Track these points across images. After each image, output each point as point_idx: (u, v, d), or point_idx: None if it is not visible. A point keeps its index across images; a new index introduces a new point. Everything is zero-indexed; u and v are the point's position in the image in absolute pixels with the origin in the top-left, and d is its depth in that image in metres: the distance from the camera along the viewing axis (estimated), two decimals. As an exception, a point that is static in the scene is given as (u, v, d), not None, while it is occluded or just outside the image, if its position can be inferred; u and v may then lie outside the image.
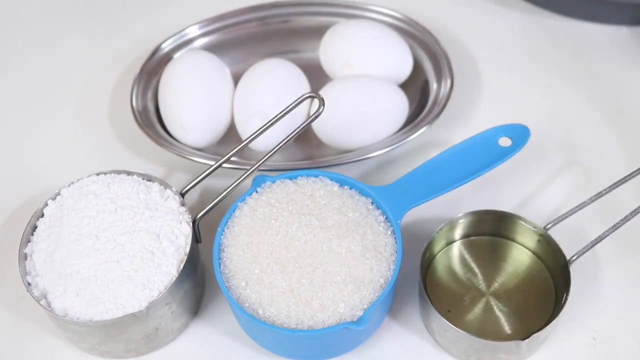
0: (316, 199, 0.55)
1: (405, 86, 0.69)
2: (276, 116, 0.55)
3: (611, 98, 0.72)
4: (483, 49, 0.77)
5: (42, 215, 0.55)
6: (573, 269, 0.53)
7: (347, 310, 0.49)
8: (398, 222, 0.54)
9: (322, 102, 0.55)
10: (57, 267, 0.51)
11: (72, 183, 0.57)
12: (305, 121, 0.56)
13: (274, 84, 0.65)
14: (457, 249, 0.58)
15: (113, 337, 0.51)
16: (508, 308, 0.54)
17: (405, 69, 0.70)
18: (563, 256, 0.54)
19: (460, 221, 0.57)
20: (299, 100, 0.56)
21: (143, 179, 0.57)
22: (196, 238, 0.55)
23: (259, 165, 0.56)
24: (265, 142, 0.62)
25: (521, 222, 0.56)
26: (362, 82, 0.66)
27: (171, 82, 0.66)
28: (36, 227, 0.55)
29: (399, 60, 0.69)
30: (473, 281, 0.56)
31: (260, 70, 0.67)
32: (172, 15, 0.82)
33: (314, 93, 0.56)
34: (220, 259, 0.52)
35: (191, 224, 0.54)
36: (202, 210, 0.55)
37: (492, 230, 0.58)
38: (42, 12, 0.85)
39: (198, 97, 0.65)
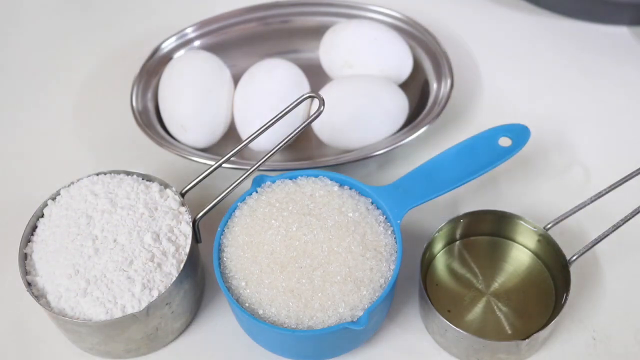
0: (316, 199, 0.55)
1: (405, 86, 0.69)
2: (276, 116, 0.55)
3: (611, 98, 0.72)
4: (483, 49, 0.77)
5: (42, 215, 0.55)
6: (573, 269, 0.53)
7: (347, 311, 0.49)
8: (398, 222, 0.54)
9: (322, 102, 0.55)
10: (57, 267, 0.51)
11: (72, 183, 0.56)
12: (305, 121, 0.56)
13: (274, 84, 0.65)
14: (457, 249, 0.58)
15: (113, 337, 0.51)
16: (508, 308, 0.54)
17: (405, 69, 0.70)
18: (563, 256, 0.54)
19: (460, 221, 0.57)
20: (299, 100, 0.56)
21: (143, 179, 0.57)
22: (196, 238, 0.55)
23: (259, 165, 0.56)
24: (265, 142, 0.62)
25: (521, 222, 0.56)
26: (362, 82, 0.66)
27: (171, 82, 0.66)
28: (36, 227, 0.55)
29: (399, 60, 0.69)
30: (473, 281, 0.56)
31: (260, 70, 0.67)
32: (172, 15, 0.82)
33: (314, 93, 0.56)
34: (220, 259, 0.52)
35: (191, 224, 0.54)
36: (202, 210, 0.55)
37: (492, 230, 0.58)
38: (41, 12, 0.85)
39: (198, 97, 0.65)
